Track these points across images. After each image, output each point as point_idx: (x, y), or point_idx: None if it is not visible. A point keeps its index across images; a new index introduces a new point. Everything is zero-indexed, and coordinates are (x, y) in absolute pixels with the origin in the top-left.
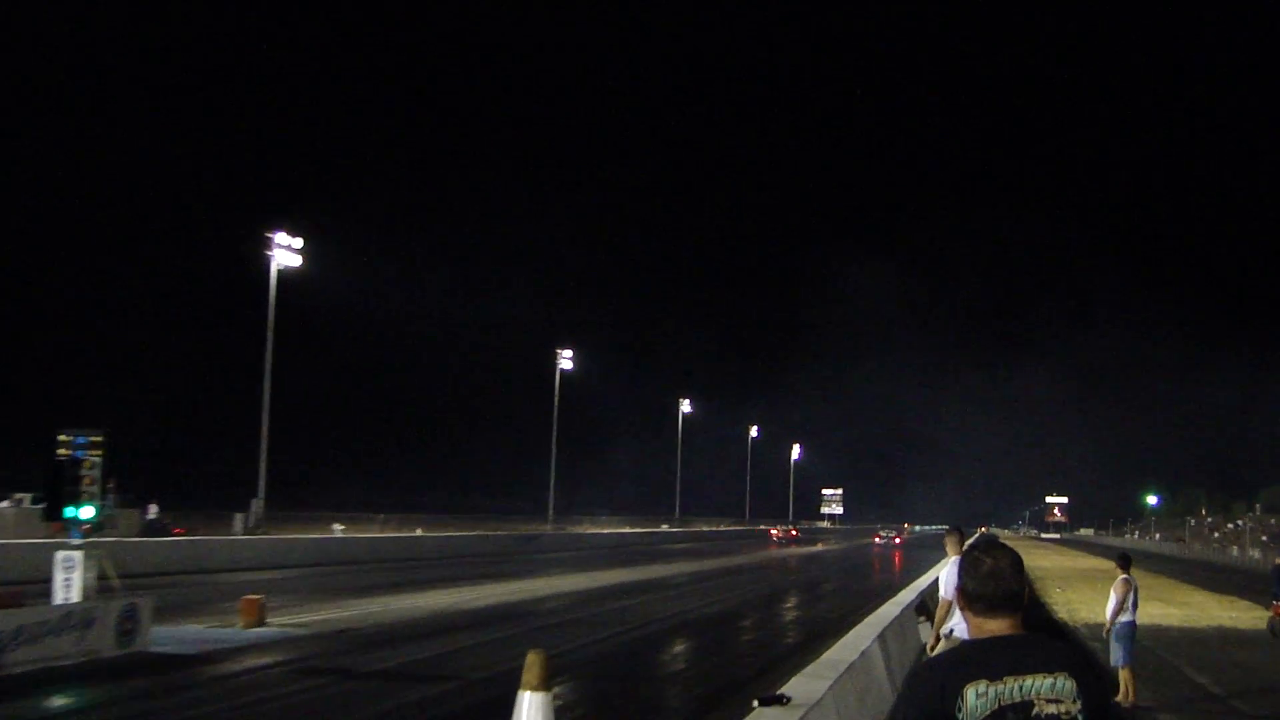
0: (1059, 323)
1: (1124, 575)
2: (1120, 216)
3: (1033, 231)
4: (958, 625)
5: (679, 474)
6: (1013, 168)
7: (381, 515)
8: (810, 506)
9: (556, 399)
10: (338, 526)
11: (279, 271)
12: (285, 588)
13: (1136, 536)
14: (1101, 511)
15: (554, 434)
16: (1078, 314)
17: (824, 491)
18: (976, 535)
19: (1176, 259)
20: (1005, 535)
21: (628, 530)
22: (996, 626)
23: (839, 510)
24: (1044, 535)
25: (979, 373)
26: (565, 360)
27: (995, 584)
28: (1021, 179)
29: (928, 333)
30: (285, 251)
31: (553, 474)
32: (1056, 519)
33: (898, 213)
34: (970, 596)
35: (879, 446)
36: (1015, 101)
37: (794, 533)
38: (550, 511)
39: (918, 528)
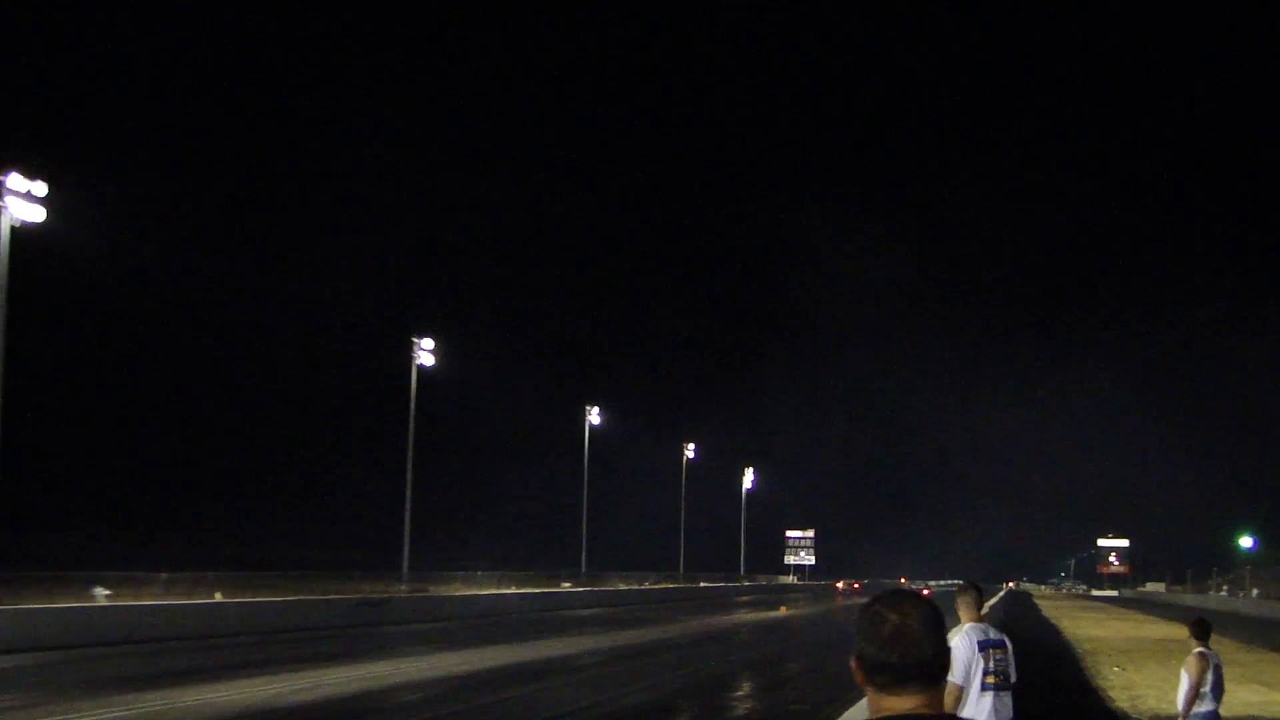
0: (1117, 312)
1: (1200, 648)
2: (1199, 175)
3: (1083, 193)
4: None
5: (585, 513)
6: (1056, 107)
7: (164, 574)
8: (770, 555)
9: (413, 406)
10: (100, 591)
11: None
12: (11, 682)
13: (1225, 593)
14: (1175, 559)
15: (408, 455)
16: (1142, 300)
17: (789, 535)
18: (1003, 591)
19: (1274, 229)
20: (1042, 593)
21: (515, 591)
22: (904, 705)
23: (809, 560)
24: (1096, 592)
25: (1009, 378)
26: (424, 353)
27: (903, 648)
28: (1068, 122)
29: (941, 326)
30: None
31: (407, 514)
32: (1114, 569)
33: (903, 168)
34: (870, 666)
35: (872, 475)
36: (1063, 24)
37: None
38: (405, 566)
39: (926, 584)
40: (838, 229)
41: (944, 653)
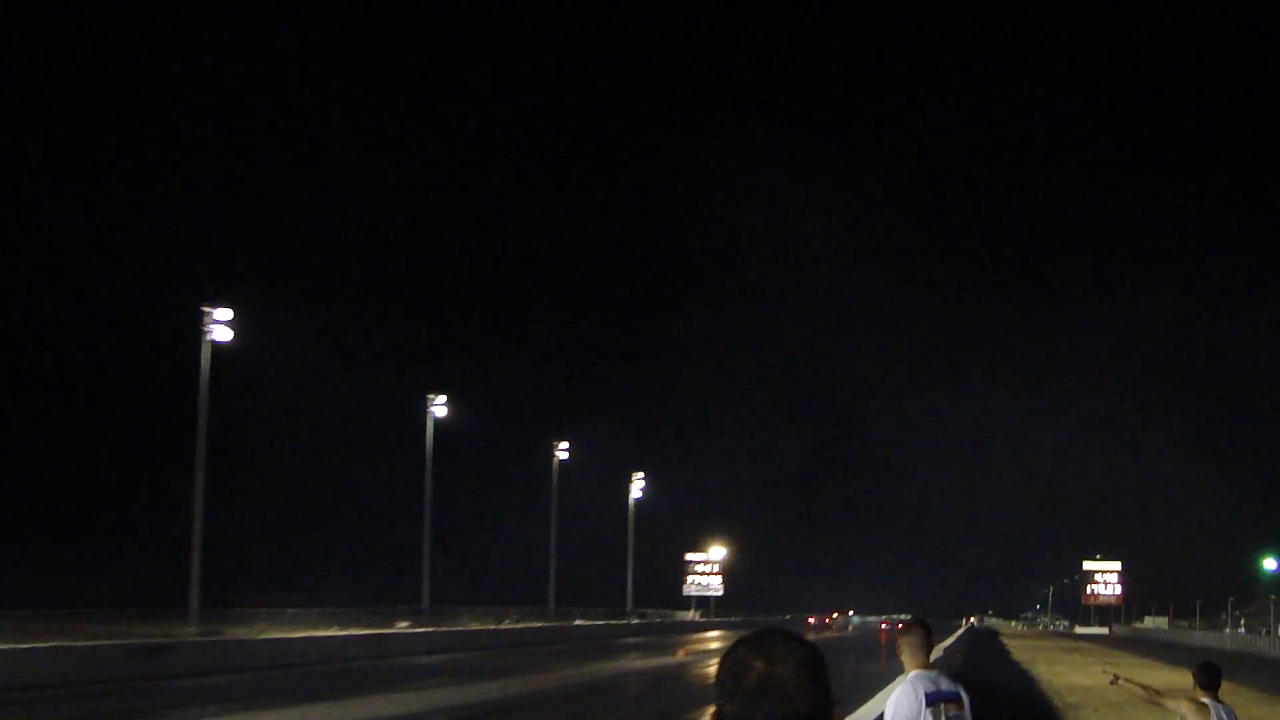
0: (1112, 282)
1: (1206, 697)
2: (1220, 112)
3: (1081, 128)
4: None
5: (428, 531)
6: (1045, 29)
7: None
8: (669, 584)
9: (203, 396)
10: None
11: None
12: None
13: (1243, 629)
14: (1181, 587)
15: (198, 457)
16: (1142, 268)
17: (689, 558)
18: (961, 629)
19: None
20: (1013, 631)
21: (338, 633)
22: None
23: (715, 589)
24: (1081, 629)
25: (977, 365)
26: (219, 327)
27: (771, 704)
28: (1060, 41)
29: (897, 299)
30: None
31: (196, 533)
32: (1103, 598)
33: (855, 93)
34: None
35: (803, 484)
36: None
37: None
38: (194, 602)
39: (887, 618)
40: (769, 171)
41: (824, 710)
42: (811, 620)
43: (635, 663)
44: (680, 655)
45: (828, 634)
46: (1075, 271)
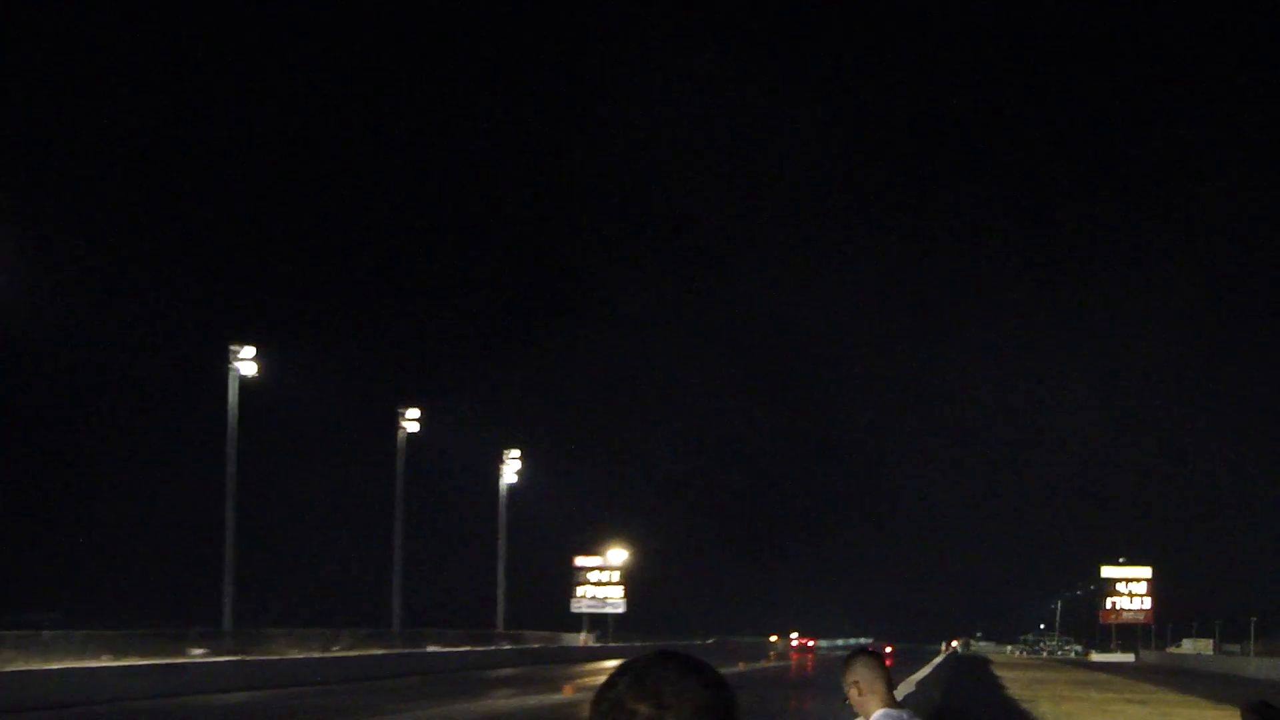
0: (1136, 218)
1: None
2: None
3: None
4: None
5: (231, 530)
6: None
7: None
8: (550, 597)
9: None
10: None
11: None
12: None
13: None
14: (1230, 599)
15: None
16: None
17: (578, 563)
18: (939, 657)
19: None
20: (1008, 658)
21: (112, 664)
22: None
23: (614, 605)
24: (1099, 656)
25: (971, 319)
26: None
27: None
28: None
29: (865, 238)
30: None
31: None
32: (1128, 615)
33: None
34: None
35: (741, 470)
36: None
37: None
38: None
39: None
40: (699, 72)
41: None
42: (795, 641)
43: (507, 702)
44: (567, 692)
45: (763, 664)
46: (1098, 213)
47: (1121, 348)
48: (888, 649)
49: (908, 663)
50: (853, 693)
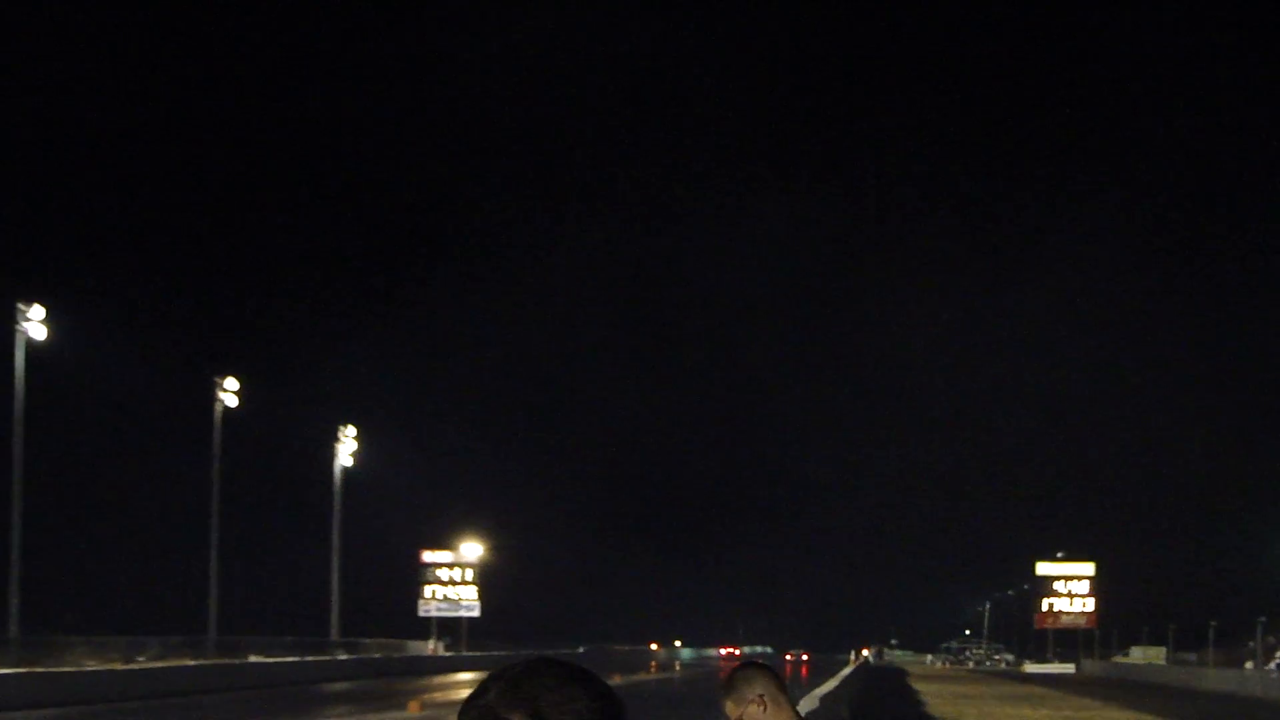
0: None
1: None
2: None
3: None
4: None
5: (19, 518)
6: None
7: None
8: (393, 599)
9: None
10: None
11: None
12: None
13: (1277, 665)
14: (1184, 604)
15: None
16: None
17: (427, 559)
18: (848, 668)
19: None
20: (929, 670)
21: None
22: None
23: (471, 609)
24: (1034, 666)
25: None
26: None
27: None
28: None
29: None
30: None
31: None
32: (1068, 619)
33: None
34: None
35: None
36: None
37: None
38: None
39: (697, 654)
40: (579, 13)
41: None
42: (723, 651)
43: None
44: (412, 709)
45: (639, 676)
46: (1034, 178)
47: (1056, 316)
48: (803, 656)
49: (811, 674)
50: (753, 709)
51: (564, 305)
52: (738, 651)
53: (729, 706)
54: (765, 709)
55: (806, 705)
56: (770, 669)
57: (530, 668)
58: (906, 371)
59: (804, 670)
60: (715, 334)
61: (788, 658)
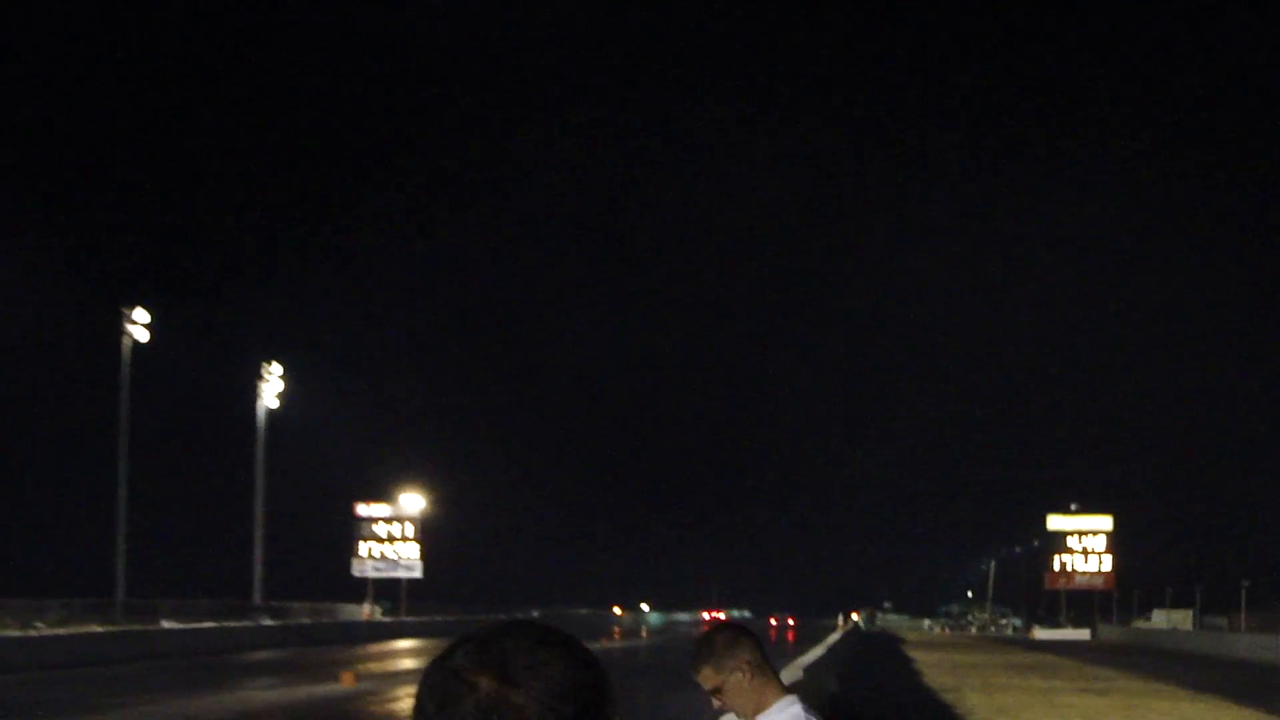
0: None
1: None
2: None
3: None
4: None
5: None
6: None
7: None
8: (325, 558)
9: None
10: None
11: None
12: None
13: None
14: (1212, 563)
15: None
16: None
17: (361, 513)
18: (836, 633)
19: None
20: (925, 637)
21: None
22: None
23: (412, 569)
24: (1043, 633)
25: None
26: None
27: None
28: None
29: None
30: None
31: None
32: (1082, 579)
33: None
34: None
35: (575, 398)
36: None
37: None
38: None
39: (666, 619)
40: None
41: None
42: (714, 616)
43: (265, 695)
44: (345, 681)
45: (600, 644)
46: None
47: (1068, 242)
48: (789, 621)
49: (798, 641)
50: (738, 678)
51: (523, 237)
52: (722, 616)
53: (706, 673)
54: (750, 678)
55: (788, 676)
56: (734, 632)
57: (503, 628)
58: (903, 309)
59: (790, 635)
60: (692, 269)
61: (772, 622)
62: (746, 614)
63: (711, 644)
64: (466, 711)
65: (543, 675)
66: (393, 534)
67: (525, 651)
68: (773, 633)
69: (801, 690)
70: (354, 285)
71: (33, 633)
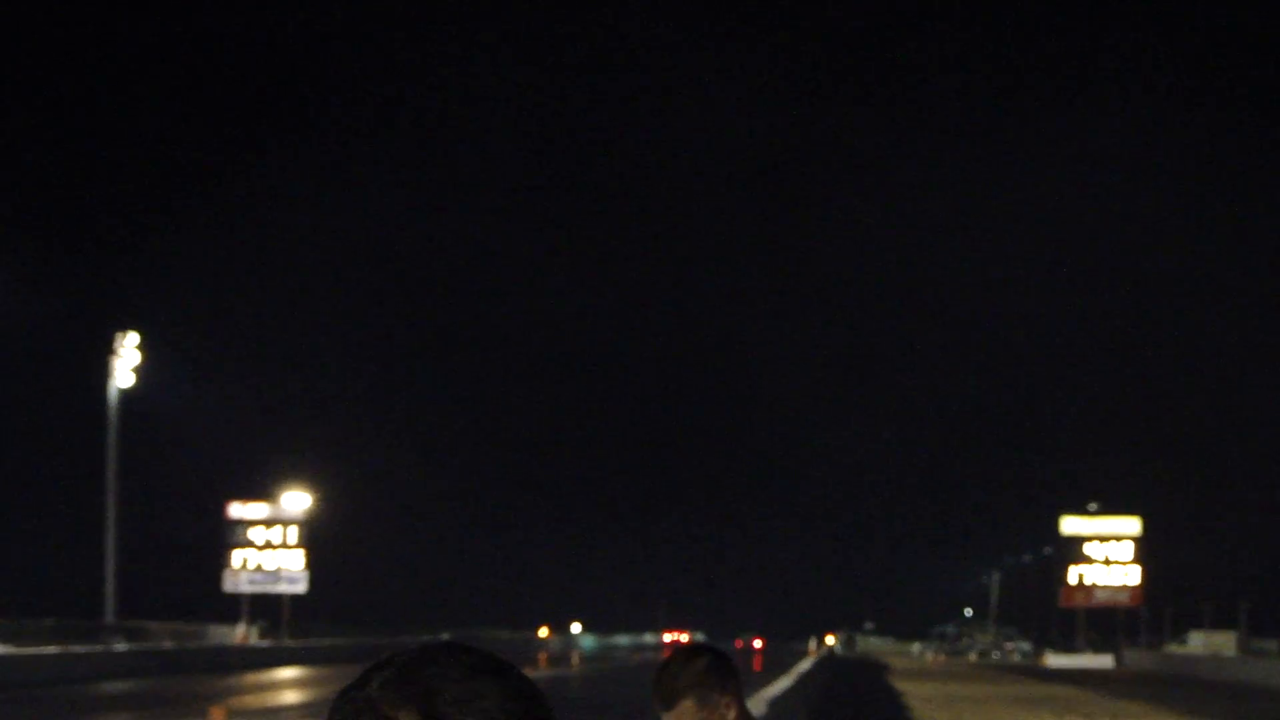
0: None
1: None
2: None
3: None
4: None
5: None
6: None
7: None
8: (190, 571)
9: None
10: None
11: None
12: None
13: None
14: (1257, 574)
15: None
16: None
17: (234, 513)
18: (809, 659)
19: None
20: (917, 660)
21: None
22: None
23: (296, 583)
24: (1057, 659)
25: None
26: None
27: None
28: None
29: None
30: None
31: None
32: (1104, 595)
33: None
34: None
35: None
36: None
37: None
38: None
39: (601, 643)
40: None
41: None
42: (675, 638)
43: None
44: (215, 718)
45: (529, 673)
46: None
47: (1088, 193)
48: (756, 644)
49: (766, 668)
50: (731, 717)
51: (442, 191)
52: (685, 638)
53: (686, 707)
54: (734, 713)
55: (753, 709)
56: (706, 655)
57: (427, 653)
58: (892, 266)
59: (756, 663)
60: (645, 217)
61: (736, 646)
62: (699, 637)
63: (692, 671)
64: None
65: (475, 710)
66: (272, 540)
67: (455, 681)
68: (736, 659)
69: None
70: (228, 247)
71: None
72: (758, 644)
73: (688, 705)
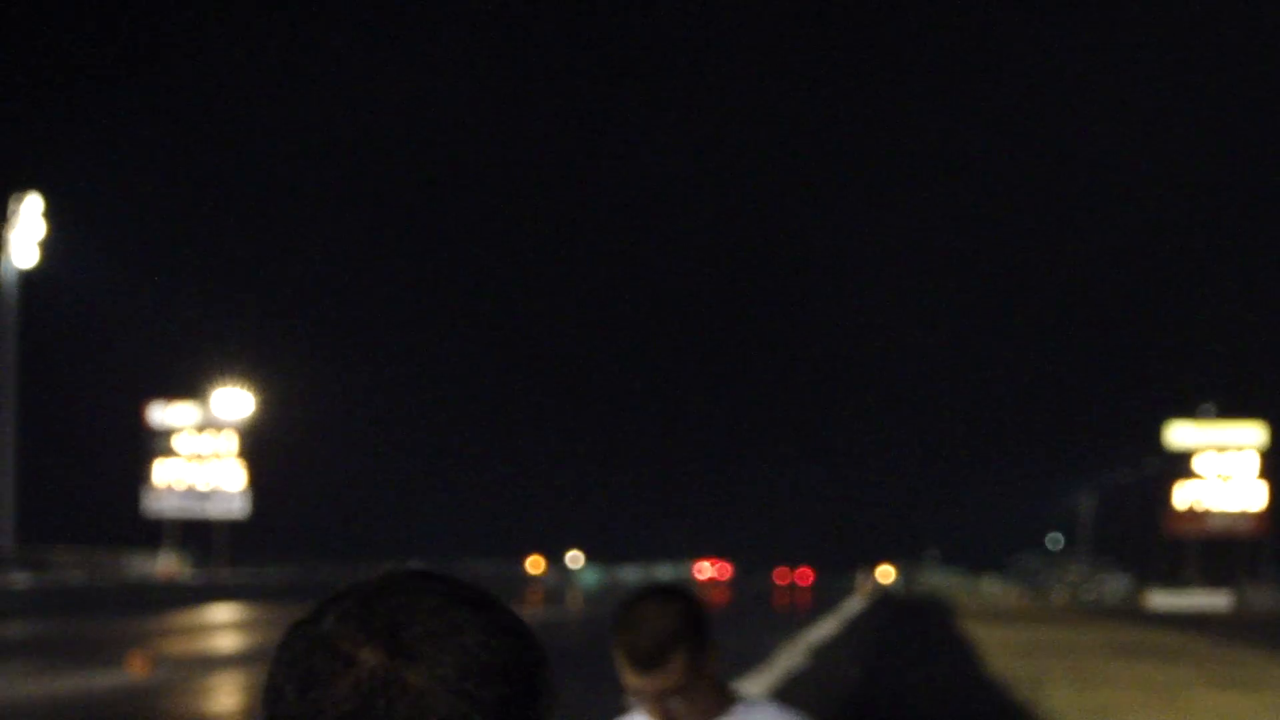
0: None
1: None
2: None
3: None
4: None
5: None
6: None
7: None
8: (108, 489)
9: None
10: None
11: None
12: None
13: None
14: None
15: None
16: None
17: (156, 417)
18: (866, 593)
19: None
20: (990, 598)
21: None
22: None
23: (234, 507)
24: (1164, 597)
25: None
26: None
27: None
28: None
29: None
30: None
31: None
32: (1220, 522)
33: None
34: None
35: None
36: None
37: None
38: None
39: (605, 573)
40: None
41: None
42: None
43: (16, 688)
44: (135, 667)
45: (525, 608)
46: None
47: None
48: (798, 578)
49: (809, 607)
50: (708, 673)
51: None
52: (713, 568)
53: (675, 667)
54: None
55: (786, 661)
56: (669, 596)
57: (392, 582)
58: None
59: (801, 600)
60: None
61: (778, 580)
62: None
63: (673, 616)
64: (341, 696)
65: (451, 647)
66: (203, 451)
67: (427, 612)
68: (783, 595)
69: (811, 684)
70: (155, 98)
71: None
72: (803, 578)
73: (679, 662)
